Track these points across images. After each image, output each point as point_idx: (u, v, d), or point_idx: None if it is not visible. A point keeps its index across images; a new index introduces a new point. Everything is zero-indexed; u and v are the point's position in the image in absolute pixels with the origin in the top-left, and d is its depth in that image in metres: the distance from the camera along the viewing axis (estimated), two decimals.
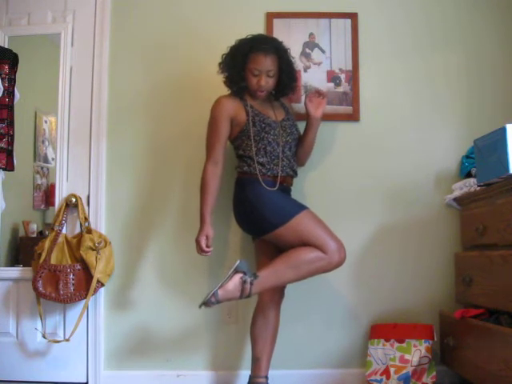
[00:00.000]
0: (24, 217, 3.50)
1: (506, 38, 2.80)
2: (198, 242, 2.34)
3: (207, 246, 2.33)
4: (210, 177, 2.36)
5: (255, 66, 2.32)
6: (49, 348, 2.68)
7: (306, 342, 2.65)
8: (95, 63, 2.79)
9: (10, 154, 2.64)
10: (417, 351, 2.46)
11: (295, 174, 2.48)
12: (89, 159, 2.76)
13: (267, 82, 2.35)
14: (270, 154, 2.36)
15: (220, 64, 2.41)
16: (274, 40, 2.43)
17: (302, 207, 2.32)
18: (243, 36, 2.39)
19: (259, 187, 2.33)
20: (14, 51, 2.68)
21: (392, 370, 2.47)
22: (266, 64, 2.32)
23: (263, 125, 2.36)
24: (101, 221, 2.73)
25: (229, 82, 2.41)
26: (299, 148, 2.51)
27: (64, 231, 2.70)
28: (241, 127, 2.37)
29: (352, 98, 2.76)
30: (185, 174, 2.75)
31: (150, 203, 2.75)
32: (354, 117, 2.75)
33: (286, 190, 2.44)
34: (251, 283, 2.13)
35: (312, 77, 2.77)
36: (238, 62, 2.35)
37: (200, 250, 2.33)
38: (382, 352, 2.53)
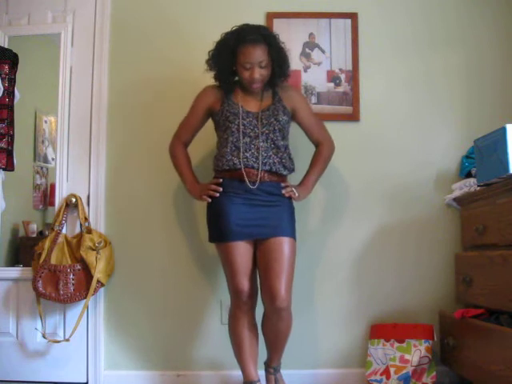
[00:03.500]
0: (24, 217, 3.50)
1: (506, 38, 2.80)
2: (201, 196, 2.30)
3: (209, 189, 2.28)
4: (176, 151, 2.44)
5: (245, 60, 2.22)
6: (49, 348, 2.68)
7: (305, 342, 2.65)
8: (95, 63, 2.79)
9: (10, 154, 2.64)
10: (417, 351, 2.46)
11: (269, 167, 2.25)
12: (89, 159, 2.76)
13: (261, 74, 2.24)
14: (231, 145, 2.25)
15: (207, 61, 2.33)
16: (261, 28, 2.30)
17: (228, 238, 2.23)
18: None
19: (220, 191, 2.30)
20: (14, 51, 2.67)
21: (392, 369, 2.47)
22: (256, 55, 2.21)
23: (228, 114, 2.27)
24: (101, 221, 2.73)
25: (218, 80, 2.35)
26: None
27: (64, 231, 2.70)
28: (216, 118, 2.34)
29: (352, 97, 2.76)
30: None
31: (150, 203, 2.75)
32: (354, 117, 2.75)
33: (247, 188, 2.24)
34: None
35: (312, 77, 2.77)
36: (226, 59, 2.26)
37: (208, 191, 2.28)
38: (382, 352, 2.53)
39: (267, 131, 2.27)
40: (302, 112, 2.40)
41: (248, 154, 2.24)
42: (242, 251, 2.24)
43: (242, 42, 2.22)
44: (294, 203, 2.38)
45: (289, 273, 2.23)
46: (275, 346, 2.34)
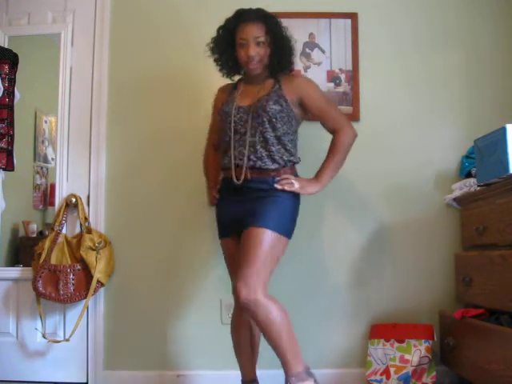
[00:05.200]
0: (24, 217, 3.50)
1: (506, 38, 2.80)
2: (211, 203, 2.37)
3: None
4: (206, 155, 2.47)
5: (241, 36, 2.16)
6: (49, 348, 2.68)
7: (305, 342, 2.63)
8: (95, 63, 2.79)
9: (10, 154, 2.64)
10: (417, 351, 2.46)
11: (253, 164, 2.15)
12: (89, 159, 2.76)
13: (257, 52, 2.15)
14: (225, 144, 2.24)
15: (210, 46, 2.28)
16: (260, 9, 2.22)
17: (220, 235, 2.26)
18: None
19: (220, 189, 2.30)
20: (14, 51, 2.68)
21: (392, 369, 2.47)
22: (252, 31, 2.14)
23: (222, 113, 2.25)
24: (101, 221, 2.73)
25: (219, 65, 2.30)
26: None
27: (64, 231, 2.70)
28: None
29: (352, 97, 2.76)
30: (185, 174, 2.74)
31: (150, 203, 2.75)
32: (354, 117, 2.75)
33: (236, 186, 2.18)
34: None
35: (312, 77, 2.73)
36: (226, 41, 2.23)
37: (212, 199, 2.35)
38: (382, 352, 2.53)
39: (256, 124, 2.16)
40: (310, 99, 2.23)
41: (236, 152, 2.19)
42: (234, 248, 2.21)
43: (240, 21, 2.19)
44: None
45: (260, 265, 2.01)
46: (272, 347, 2.08)
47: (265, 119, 2.16)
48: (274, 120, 2.16)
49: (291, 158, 2.21)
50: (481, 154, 2.32)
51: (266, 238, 2.04)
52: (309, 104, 2.24)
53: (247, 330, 2.28)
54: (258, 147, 2.16)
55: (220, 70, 2.33)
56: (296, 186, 2.16)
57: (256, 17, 2.18)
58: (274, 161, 2.16)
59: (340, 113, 2.31)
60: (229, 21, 2.24)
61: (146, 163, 2.77)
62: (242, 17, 2.19)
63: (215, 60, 2.30)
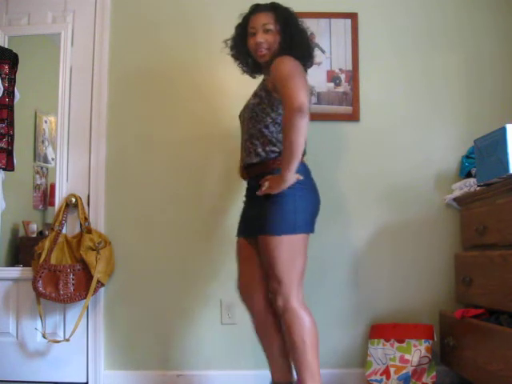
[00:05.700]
0: (24, 217, 3.50)
1: (506, 38, 2.80)
2: None
3: None
4: None
5: (251, 26, 2.16)
6: (49, 348, 2.68)
7: None
8: (95, 63, 2.79)
9: (10, 154, 2.65)
10: (417, 351, 2.46)
11: (244, 162, 2.15)
12: (89, 159, 2.76)
13: (265, 39, 2.12)
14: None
15: (227, 43, 2.28)
16: (273, 2, 2.21)
17: (237, 233, 2.25)
18: None
19: None
20: (14, 51, 2.68)
21: (392, 369, 2.47)
22: (260, 19, 2.13)
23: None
24: (101, 221, 2.72)
25: (237, 60, 2.29)
26: None
27: (64, 231, 2.70)
28: None
29: (352, 97, 2.76)
30: (185, 174, 2.74)
31: (149, 203, 2.75)
32: (353, 117, 2.75)
33: (249, 188, 2.22)
34: None
35: (312, 77, 2.74)
36: (240, 36, 2.23)
37: None
38: (381, 352, 2.53)
39: (248, 121, 2.15)
40: (275, 82, 2.04)
41: (240, 153, 2.23)
42: (241, 248, 2.21)
43: (251, 14, 2.19)
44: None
45: (281, 274, 2.01)
46: (294, 363, 2.07)
47: (249, 116, 2.14)
48: (255, 114, 2.10)
49: (274, 149, 2.07)
50: (481, 154, 2.32)
51: (276, 245, 2.00)
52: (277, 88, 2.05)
53: (268, 330, 2.19)
54: (248, 144, 2.13)
55: (238, 65, 2.32)
56: (265, 187, 2.02)
57: (266, 7, 2.18)
58: (256, 154, 2.09)
59: (292, 82, 1.94)
60: (243, 17, 2.25)
61: (145, 163, 2.77)
62: (254, 9, 2.20)
63: (232, 56, 2.30)
